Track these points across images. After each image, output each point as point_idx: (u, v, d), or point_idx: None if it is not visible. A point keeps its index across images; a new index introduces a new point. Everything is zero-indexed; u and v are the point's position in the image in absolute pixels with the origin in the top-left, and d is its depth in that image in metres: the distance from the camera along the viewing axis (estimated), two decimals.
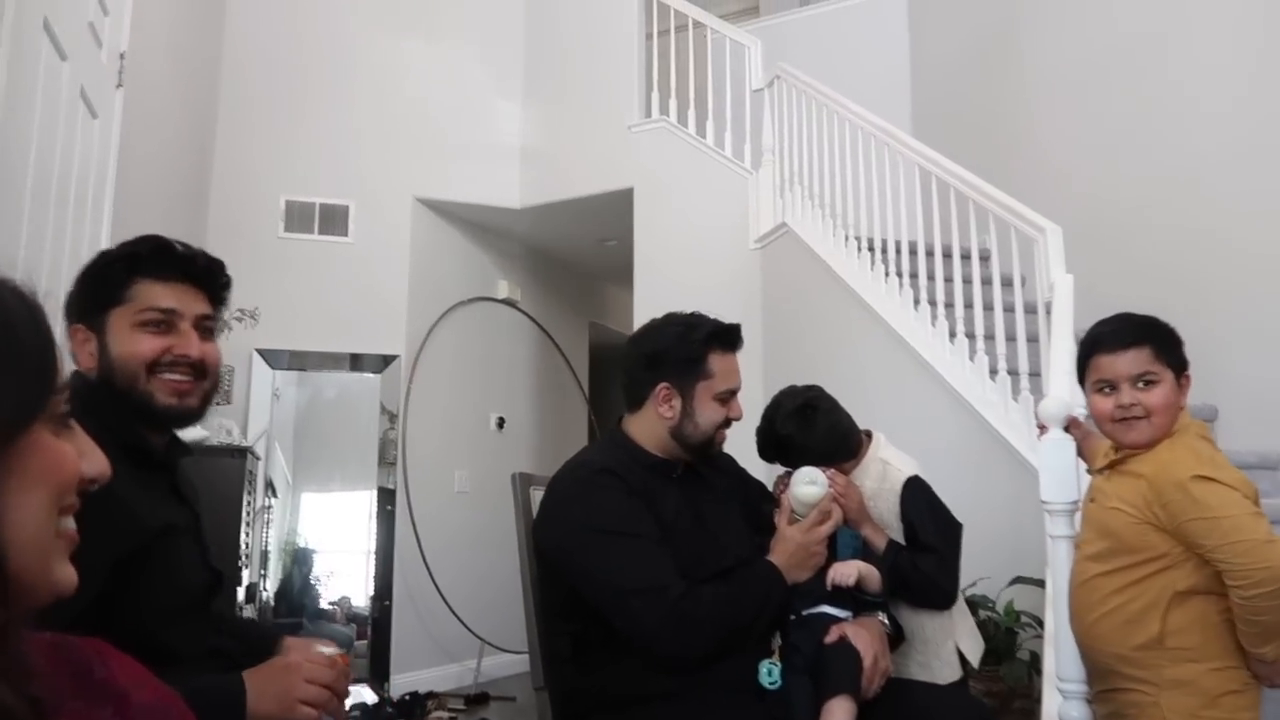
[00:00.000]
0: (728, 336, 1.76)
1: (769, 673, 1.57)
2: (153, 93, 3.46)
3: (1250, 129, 3.47)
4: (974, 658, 1.90)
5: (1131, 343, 1.52)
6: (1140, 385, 1.51)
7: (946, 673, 1.81)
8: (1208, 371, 3.53)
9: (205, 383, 1.34)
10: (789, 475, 1.76)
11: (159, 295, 1.31)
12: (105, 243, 2.82)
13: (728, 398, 1.75)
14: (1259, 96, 3.45)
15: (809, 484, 1.69)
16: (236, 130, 4.64)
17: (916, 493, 1.87)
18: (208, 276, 1.38)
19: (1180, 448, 1.49)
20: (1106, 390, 1.53)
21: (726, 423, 1.76)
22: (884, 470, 1.90)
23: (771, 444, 1.93)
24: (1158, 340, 1.53)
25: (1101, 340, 1.55)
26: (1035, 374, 2.89)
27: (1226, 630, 1.44)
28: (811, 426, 1.88)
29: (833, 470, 1.82)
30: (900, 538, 1.85)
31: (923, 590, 1.81)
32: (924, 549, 1.81)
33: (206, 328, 1.35)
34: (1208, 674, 1.43)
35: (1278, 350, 3.28)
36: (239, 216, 4.60)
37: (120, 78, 2.94)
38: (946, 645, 1.82)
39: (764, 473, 2.07)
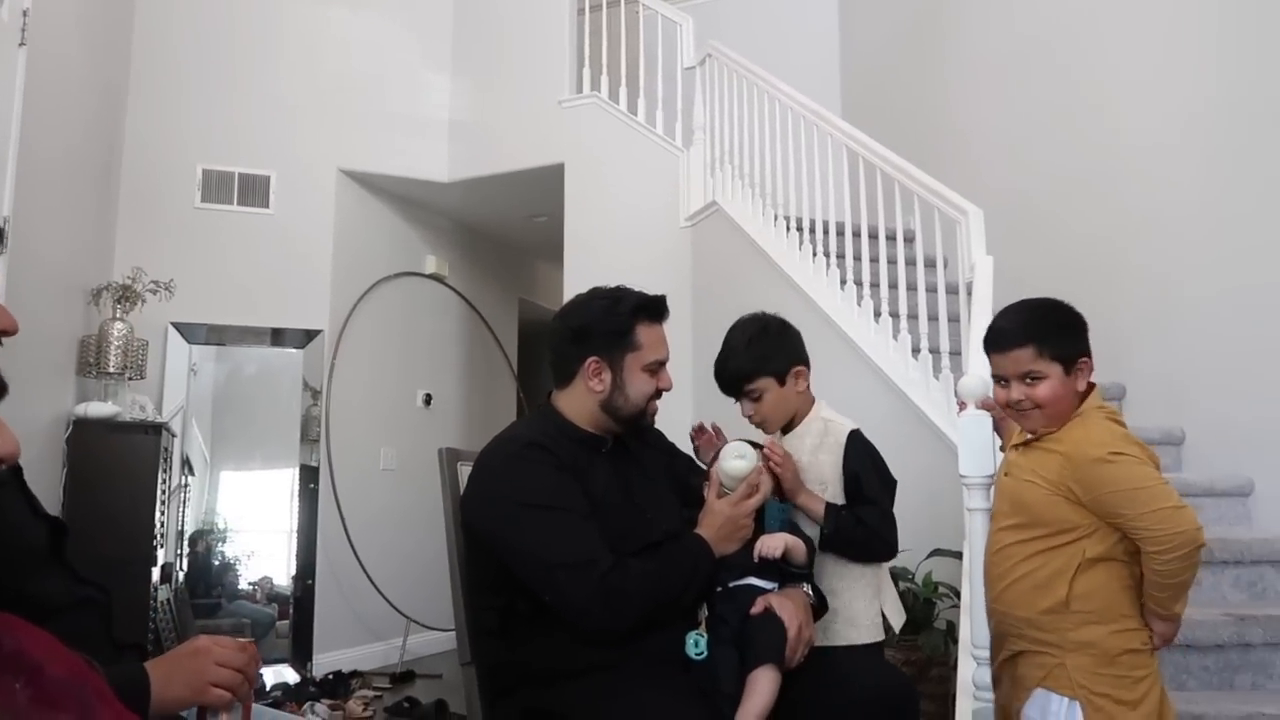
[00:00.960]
0: (654, 307, 1.77)
1: (696, 644, 1.59)
2: (59, 52, 3.30)
3: (1162, 125, 3.59)
4: (896, 623, 1.95)
5: (1013, 345, 1.59)
6: (1027, 382, 1.58)
7: (871, 633, 1.84)
8: (1117, 352, 3.68)
9: None
10: (699, 430, 1.78)
11: None
12: (7, 210, 2.69)
13: (656, 369, 1.76)
14: (1171, 93, 3.58)
15: (737, 458, 1.71)
16: (150, 95, 4.46)
17: (859, 445, 1.88)
18: None
19: (1092, 426, 1.56)
20: (1002, 383, 1.62)
21: (657, 394, 1.77)
22: (825, 427, 1.91)
23: (734, 356, 1.90)
24: (1039, 338, 1.58)
25: (989, 340, 1.64)
26: (956, 352, 2.97)
27: (1128, 594, 1.53)
28: (780, 332, 1.91)
29: (770, 439, 1.85)
30: (839, 492, 1.87)
31: (866, 544, 1.83)
32: (867, 501, 1.84)
33: None
34: (1110, 635, 1.51)
35: (1180, 333, 3.43)
36: (153, 185, 4.43)
37: (23, 35, 2.80)
38: (873, 606, 1.85)
39: (692, 449, 2.08)
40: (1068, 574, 1.53)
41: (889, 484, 1.89)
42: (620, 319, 1.73)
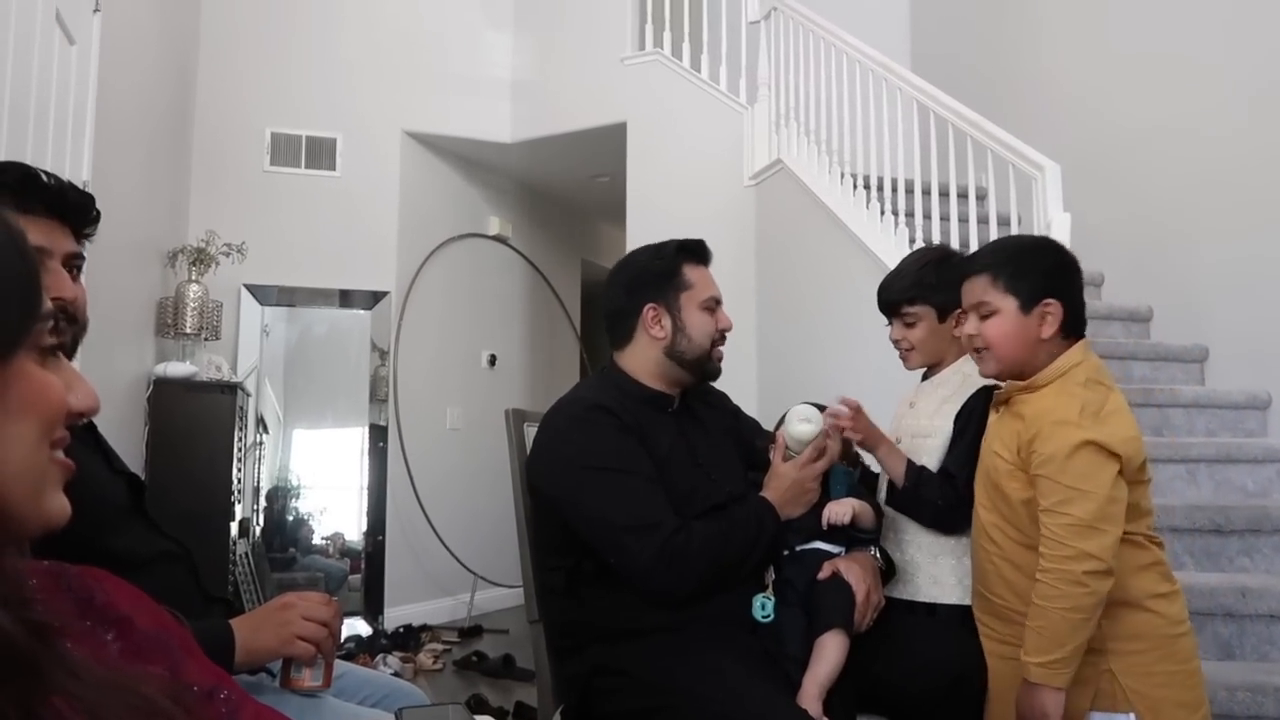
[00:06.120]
0: (695, 249, 1.78)
1: (763, 606, 1.58)
2: (132, 18, 3.36)
3: (1252, 72, 3.41)
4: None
5: (975, 270, 1.43)
6: (981, 316, 1.43)
7: (958, 594, 1.71)
8: (1199, 311, 3.55)
9: (75, 327, 1.19)
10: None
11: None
12: (86, 174, 2.76)
13: (713, 306, 1.75)
14: (1258, 41, 3.39)
15: (803, 421, 1.68)
16: (219, 59, 4.53)
17: (983, 402, 1.71)
18: (79, 212, 1.22)
19: (1065, 394, 1.39)
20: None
21: (721, 337, 1.76)
22: (964, 380, 1.77)
23: (903, 275, 1.82)
24: (998, 267, 1.42)
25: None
26: None
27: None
28: (958, 268, 1.81)
29: (843, 397, 1.75)
30: (945, 444, 1.74)
31: (940, 512, 1.72)
32: (953, 460, 1.71)
33: (76, 266, 1.22)
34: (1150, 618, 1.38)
35: (1268, 293, 3.28)
36: (223, 148, 4.51)
37: (97, 2, 2.85)
38: (964, 562, 1.71)
39: (758, 410, 2.07)
40: None
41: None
42: (666, 260, 1.75)
